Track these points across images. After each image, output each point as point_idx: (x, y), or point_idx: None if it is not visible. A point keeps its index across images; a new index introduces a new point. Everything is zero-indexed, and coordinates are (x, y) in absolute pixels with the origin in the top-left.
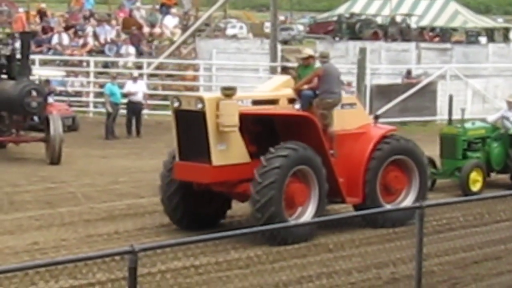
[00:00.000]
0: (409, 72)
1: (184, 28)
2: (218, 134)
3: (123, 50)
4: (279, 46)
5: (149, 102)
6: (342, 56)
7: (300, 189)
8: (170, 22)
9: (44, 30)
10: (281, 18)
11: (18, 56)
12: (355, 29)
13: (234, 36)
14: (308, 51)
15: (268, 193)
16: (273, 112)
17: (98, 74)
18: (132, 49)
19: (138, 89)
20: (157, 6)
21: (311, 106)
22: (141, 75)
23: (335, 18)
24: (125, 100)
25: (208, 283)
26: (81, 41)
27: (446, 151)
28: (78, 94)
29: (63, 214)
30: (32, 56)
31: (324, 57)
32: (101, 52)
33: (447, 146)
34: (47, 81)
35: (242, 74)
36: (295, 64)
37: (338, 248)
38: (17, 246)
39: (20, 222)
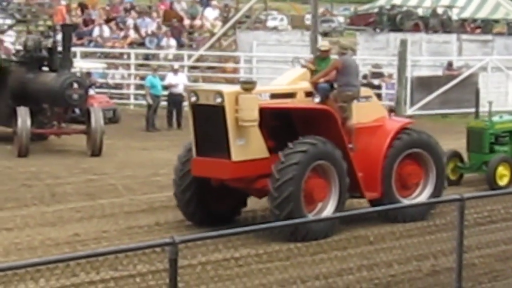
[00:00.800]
0: (450, 64)
1: (225, 20)
2: (237, 129)
3: (163, 42)
4: (320, 38)
5: None
6: (382, 48)
7: (320, 184)
8: (211, 14)
9: (85, 23)
10: (322, 9)
11: (60, 48)
12: (396, 21)
13: (274, 28)
14: (326, 43)
15: (287, 190)
16: (294, 106)
17: (139, 66)
18: (172, 41)
19: (179, 81)
20: None
21: (328, 99)
22: (181, 67)
23: (376, 10)
24: (165, 92)
25: (249, 275)
26: (122, 34)
27: (473, 145)
28: (119, 86)
29: (104, 206)
30: (73, 49)
31: (345, 49)
32: (141, 45)
33: (474, 140)
34: (88, 74)
35: (283, 66)
36: (307, 57)
37: (379, 240)
38: (59, 237)
39: (61, 214)
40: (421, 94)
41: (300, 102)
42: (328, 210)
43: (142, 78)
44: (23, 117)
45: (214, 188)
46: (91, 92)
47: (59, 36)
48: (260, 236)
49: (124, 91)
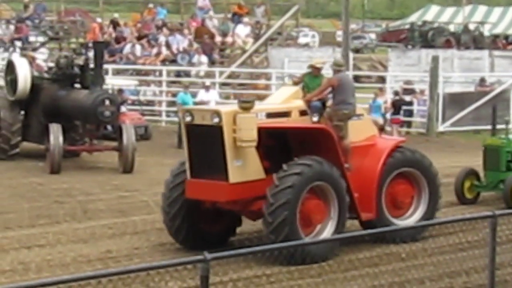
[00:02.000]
0: (482, 80)
1: (256, 37)
2: (235, 150)
3: (195, 59)
4: (351, 55)
5: None
6: (414, 64)
7: (318, 206)
8: (242, 31)
9: (117, 40)
10: (353, 26)
11: (92, 65)
12: (427, 37)
13: (306, 45)
14: (319, 60)
15: (281, 214)
16: (292, 126)
17: (170, 83)
18: (204, 58)
19: (210, 98)
20: (229, 15)
21: (322, 118)
22: (213, 84)
23: (407, 26)
24: None
25: None
26: (153, 51)
27: (489, 163)
28: (150, 103)
29: (136, 222)
30: (105, 66)
31: (339, 65)
32: (173, 61)
33: (491, 157)
34: (120, 91)
35: None
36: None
37: (411, 257)
38: (91, 254)
39: (93, 230)
40: (453, 110)
41: (296, 121)
42: (327, 232)
43: (174, 95)
44: (56, 134)
45: (205, 211)
46: (123, 109)
47: (91, 53)
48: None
49: (156, 108)
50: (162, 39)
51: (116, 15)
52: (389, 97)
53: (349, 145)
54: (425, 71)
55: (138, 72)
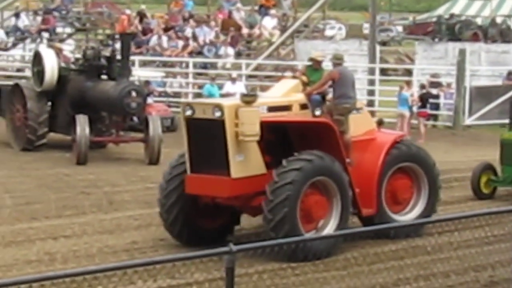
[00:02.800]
0: (510, 74)
1: (283, 29)
2: (237, 144)
3: (221, 51)
4: (378, 48)
5: None
6: (441, 58)
7: (319, 202)
8: (269, 23)
9: (144, 32)
10: (380, 19)
11: (118, 57)
12: (454, 30)
13: (332, 37)
14: (320, 53)
15: (281, 211)
16: (295, 120)
17: (197, 75)
18: (230, 50)
19: (237, 90)
20: (256, 7)
21: (322, 112)
22: (239, 76)
23: (434, 19)
24: None
25: (305, 284)
26: (180, 42)
27: (506, 158)
28: (177, 95)
29: None
30: (132, 57)
31: (338, 59)
32: (200, 53)
33: (508, 152)
34: (147, 82)
35: None
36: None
37: (436, 250)
38: (116, 245)
39: (119, 221)
40: (479, 104)
41: (297, 115)
42: (330, 227)
43: (200, 87)
44: (82, 125)
45: (203, 206)
46: (149, 100)
47: (118, 45)
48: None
49: (182, 99)
50: (188, 31)
51: (143, 6)
52: (415, 90)
53: (350, 140)
54: (452, 64)
55: (164, 64)
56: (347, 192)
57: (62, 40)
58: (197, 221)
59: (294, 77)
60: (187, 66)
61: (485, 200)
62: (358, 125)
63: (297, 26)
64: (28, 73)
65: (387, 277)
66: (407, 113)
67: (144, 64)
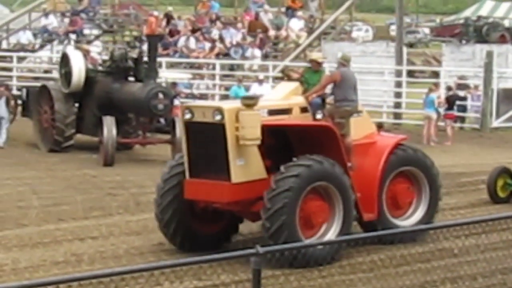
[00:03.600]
0: None
1: (310, 31)
2: (237, 148)
3: (248, 53)
4: (405, 49)
5: None
6: (468, 60)
7: (319, 207)
8: (296, 25)
9: (171, 33)
10: (407, 20)
11: (145, 58)
12: (482, 32)
13: (359, 39)
14: (320, 54)
15: (279, 219)
16: (297, 123)
17: (223, 77)
18: (257, 52)
19: (264, 91)
20: (283, 9)
21: (323, 115)
22: (266, 78)
23: (462, 21)
24: None
25: (332, 286)
26: (207, 44)
27: None
28: (204, 96)
29: None
30: (159, 59)
31: (346, 60)
32: (226, 55)
33: None
34: (174, 84)
35: (367, 78)
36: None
37: (463, 253)
38: (143, 246)
39: (146, 223)
40: (507, 106)
41: (298, 118)
42: (332, 233)
43: (227, 88)
44: (109, 126)
45: (200, 211)
46: (176, 102)
47: (145, 47)
48: (342, 248)
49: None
50: (215, 32)
51: (170, 8)
52: (442, 92)
53: (351, 143)
54: (480, 66)
55: (191, 66)
56: (349, 196)
57: (89, 42)
58: (193, 225)
59: (287, 75)
60: (214, 68)
61: (501, 204)
62: (358, 129)
63: (324, 28)
64: (55, 74)
65: (414, 280)
66: (433, 115)
67: (171, 65)
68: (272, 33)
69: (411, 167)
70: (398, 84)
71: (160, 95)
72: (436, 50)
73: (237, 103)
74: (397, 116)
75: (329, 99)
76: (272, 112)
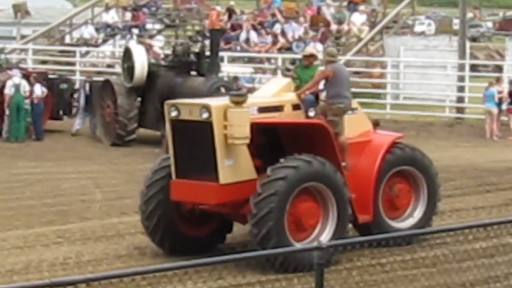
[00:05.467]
0: None
1: (372, 25)
2: (226, 148)
3: (310, 47)
4: (468, 43)
5: None
6: None
7: (310, 209)
8: (358, 19)
9: (233, 27)
10: (470, 14)
11: (208, 53)
12: None
13: (422, 33)
14: (310, 49)
15: (266, 225)
16: (289, 121)
17: (286, 71)
18: (319, 46)
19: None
20: (345, 4)
21: (315, 113)
22: None
23: None
24: None
25: (394, 281)
26: (269, 38)
27: None
28: None
29: None
30: (221, 53)
31: (332, 55)
32: (289, 49)
33: None
34: (236, 78)
35: (430, 72)
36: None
37: None
38: None
39: None
40: None
41: (289, 116)
42: (326, 235)
43: None
44: None
45: (187, 213)
46: None
47: (207, 41)
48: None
49: None
50: (277, 27)
51: (232, 2)
52: (506, 86)
53: (345, 142)
54: None
55: (253, 60)
56: (343, 196)
57: (151, 36)
58: (181, 228)
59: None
60: (276, 62)
61: None
62: (354, 126)
63: (386, 22)
64: (118, 69)
65: (478, 275)
66: (494, 109)
67: (233, 60)
68: (334, 27)
69: (408, 167)
70: (461, 79)
71: (222, 90)
72: (499, 44)
73: (225, 100)
74: (459, 110)
75: (322, 96)
76: (262, 110)
